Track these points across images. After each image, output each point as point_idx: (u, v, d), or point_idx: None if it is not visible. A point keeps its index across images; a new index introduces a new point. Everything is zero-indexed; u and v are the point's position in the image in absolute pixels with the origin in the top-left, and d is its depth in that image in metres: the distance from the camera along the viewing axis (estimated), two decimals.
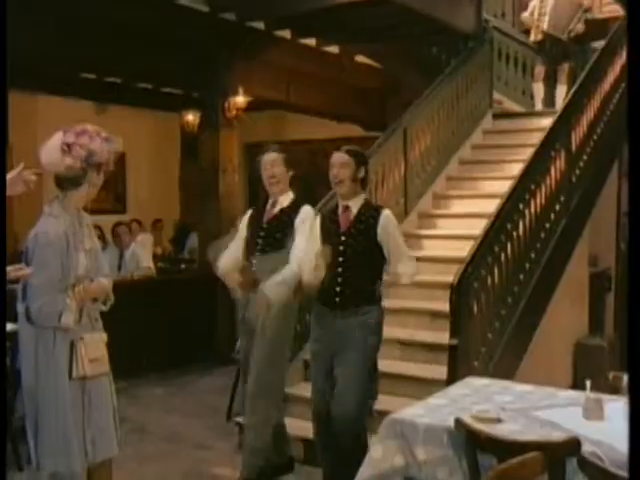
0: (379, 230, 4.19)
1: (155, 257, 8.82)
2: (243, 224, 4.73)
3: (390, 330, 5.85)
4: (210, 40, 7.91)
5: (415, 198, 7.29)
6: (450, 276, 5.04)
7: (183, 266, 9.05)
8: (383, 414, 4.05)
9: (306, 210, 4.53)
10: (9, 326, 4.19)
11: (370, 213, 4.26)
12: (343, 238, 4.25)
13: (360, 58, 9.52)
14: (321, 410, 4.30)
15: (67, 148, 3.29)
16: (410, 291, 6.31)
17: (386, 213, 4.29)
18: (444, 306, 5.21)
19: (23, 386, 3.40)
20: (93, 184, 3.41)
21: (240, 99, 8.41)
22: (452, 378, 4.51)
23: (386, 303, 6.13)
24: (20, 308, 3.35)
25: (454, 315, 4.86)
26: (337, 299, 4.22)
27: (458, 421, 2.99)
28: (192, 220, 9.97)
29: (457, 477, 3.11)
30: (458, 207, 7.33)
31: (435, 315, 5.80)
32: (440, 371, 4.98)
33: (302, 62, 8.92)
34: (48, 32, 6.78)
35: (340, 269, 4.21)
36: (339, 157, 4.24)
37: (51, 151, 3.32)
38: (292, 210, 4.54)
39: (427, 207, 7.43)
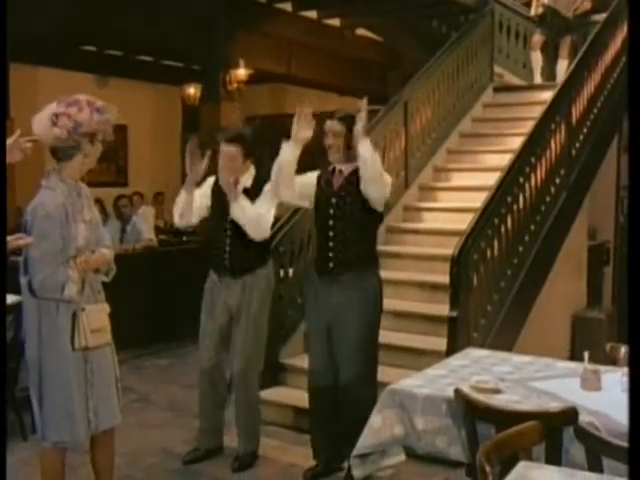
0: (361, 186, 4.16)
1: (157, 229, 8.84)
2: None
3: (389, 302, 5.89)
4: (211, 13, 7.89)
5: (416, 171, 7.30)
6: (450, 248, 5.07)
7: (185, 238, 9.07)
8: (382, 385, 4.11)
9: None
10: (12, 298, 4.23)
11: (358, 176, 4.20)
12: (334, 200, 4.26)
13: (361, 31, 9.49)
14: (323, 381, 4.32)
15: (55, 118, 3.28)
16: (410, 263, 6.37)
17: None
18: (443, 278, 5.25)
19: (27, 357, 3.43)
20: (87, 155, 3.38)
21: (241, 72, 8.41)
22: (451, 349, 4.56)
23: (385, 275, 6.22)
24: (22, 280, 3.38)
25: (454, 287, 4.89)
26: (331, 264, 4.22)
27: (457, 391, 3.04)
28: None
29: (456, 446, 3.16)
30: (458, 180, 7.35)
31: (434, 287, 5.84)
32: (439, 343, 5.03)
33: (303, 35, 8.90)
34: (49, 4, 6.76)
35: (331, 233, 4.22)
36: (332, 125, 4.22)
37: (41, 121, 3.32)
38: None
39: (428, 180, 7.44)
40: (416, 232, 6.78)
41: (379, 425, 3.34)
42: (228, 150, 4.52)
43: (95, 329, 3.38)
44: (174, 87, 11.19)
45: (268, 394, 5.44)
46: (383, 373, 5.07)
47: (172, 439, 5.04)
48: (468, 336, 4.90)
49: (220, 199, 4.54)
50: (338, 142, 4.20)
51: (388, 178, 4.32)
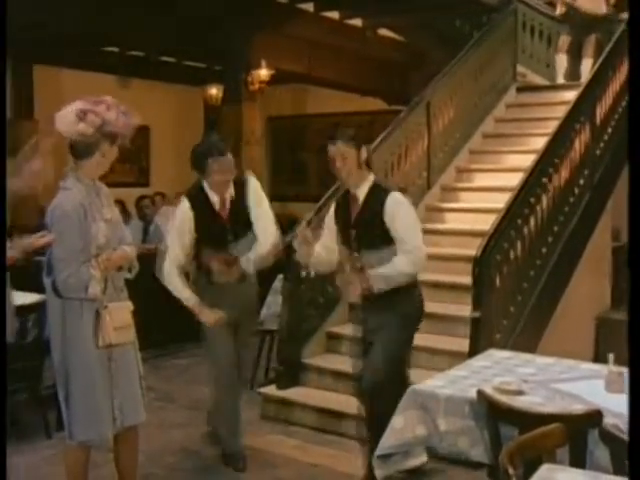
0: (386, 218, 3.89)
1: None
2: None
3: None
4: (233, 13, 7.90)
5: (438, 171, 7.28)
6: (472, 249, 5.05)
7: None
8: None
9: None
10: (36, 297, 4.27)
11: (377, 198, 3.95)
12: (353, 232, 4.02)
13: (383, 31, 9.47)
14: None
15: (82, 115, 3.30)
16: (431, 263, 6.32)
17: (393, 197, 3.94)
18: (465, 279, 5.22)
19: (53, 356, 3.46)
20: (105, 154, 3.40)
21: (263, 72, 8.42)
22: (474, 350, 4.54)
23: None
24: (46, 280, 3.40)
25: (476, 288, 4.87)
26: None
27: (480, 392, 3.02)
28: None
29: (478, 447, 3.15)
30: (481, 180, 7.31)
31: (456, 288, 5.81)
32: (459, 343, 5.01)
33: (325, 35, 8.89)
34: (71, 6, 6.80)
35: (359, 264, 3.99)
36: (337, 149, 3.93)
37: (66, 116, 3.34)
38: None
39: (450, 180, 7.42)
40: (438, 232, 6.75)
41: (401, 426, 3.33)
42: (229, 164, 4.35)
43: (118, 327, 3.40)
44: (196, 88, 11.23)
45: (289, 394, 5.46)
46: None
47: (193, 438, 5.05)
48: (490, 337, 4.87)
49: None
50: (348, 165, 3.91)
51: (419, 249, 3.95)
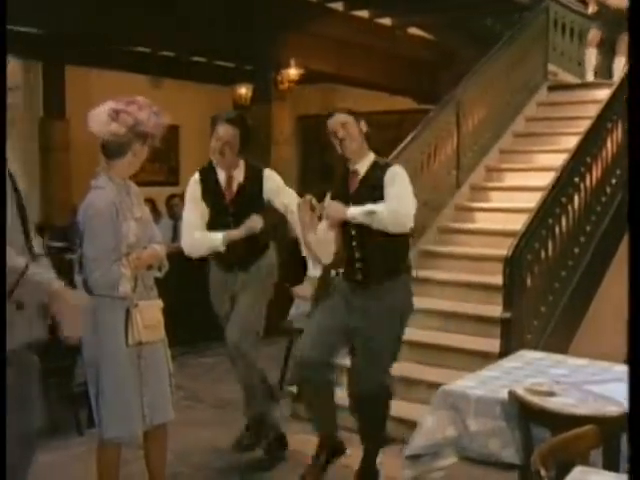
0: (384, 190, 3.82)
1: None
2: None
3: (438, 302, 5.90)
4: (262, 12, 7.91)
5: (467, 171, 7.24)
6: (502, 249, 5.01)
7: None
8: (433, 386, 4.09)
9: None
10: None
11: (377, 172, 3.89)
12: (351, 205, 3.89)
13: (413, 30, 9.44)
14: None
15: (115, 114, 3.32)
16: (461, 263, 6.31)
17: (392, 168, 3.92)
18: (495, 279, 5.19)
19: (84, 355, 3.48)
20: (136, 154, 3.41)
21: (292, 72, 8.42)
22: (505, 351, 4.50)
23: (435, 275, 6.21)
24: (78, 279, 3.43)
25: (507, 288, 4.84)
26: (359, 276, 3.95)
27: (511, 393, 3.00)
28: None
29: (509, 449, 3.12)
30: (511, 180, 7.26)
31: (486, 288, 5.78)
32: (490, 344, 4.98)
33: (354, 34, 8.88)
34: (103, 7, 6.85)
35: (355, 243, 3.91)
36: (336, 120, 3.90)
37: (99, 116, 3.37)
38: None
39: (479, 180, 7.37)
40: (467, 232, 6.72)
41: (431, 426, 3.31)
42: (225, 130, 4.26)
43: (148, 325, 3.41)
44: (225, 87, 11.27)
45: None
46: (433, 374, 5.07)
47: (220, 437, 5.05)
48: (521, 338, 4.83)
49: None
50: (350, 133, 3.88)
51: (406, 213, 3.85)
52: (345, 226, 3.90)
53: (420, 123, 6.82)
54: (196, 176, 4.46)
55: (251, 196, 4.36)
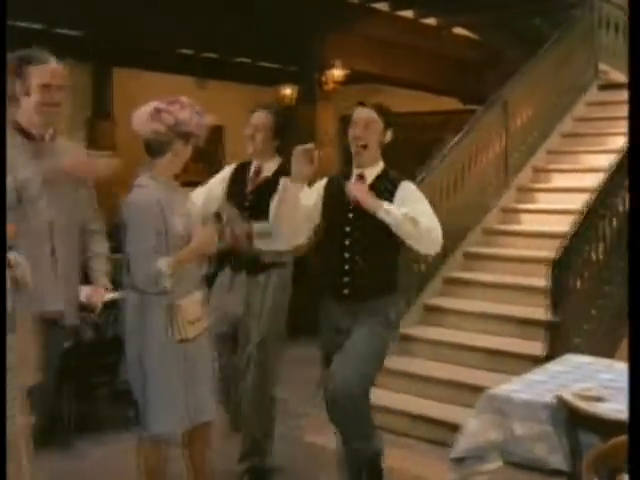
0: (407, 205, 3.47)
1: None
2: None
3: (481, 304, 5.84)
4: (307, 13, 7.92)
5: (514, 172, 7.15)
6: (549, 251, 4.94)
7: None
8: (475, 389, 4.05)
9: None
10: (115, 294, 4.33)
11: (386, 185, 3.51)
12: (351, 216, 3.51)
13: (458, 30, 9.37)
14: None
15: (156, 113, 3.35)
16: (507, 265, 6.24)
17: (404, 184, 3.56)
18: (541, 281, 5.12)
19: (127, 352, 3.50)
20: (177, 154, 3.42)
21: (337, 72, 8.41)
22: (550, 354, 4.44)
23: (479, 277, 6.15)
24: (124, 277, 3.46)
25: (554, 291, 4.76)
26: (346, 291, 3.56)
27: (559, 398, 2.95)
28: None
29: (556, 455, 3.07)
30: (559, 181, 7.15)
31: (532, 290, 5.70)
32: (536, 347, 4.92)
33: (399, 35, 8.85)
34: (148, 10, 6.92)
35: (347, 254, 3.51)
36: (366, 114, 3.49)
37: (141, 115, 3.40)
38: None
39: (526, 181, 7.28)
40: (514, 234, 6.65)
41: (476, 430, 3.28)
42: (258, 116, 4.15)
43: (192, 320, 3.41)
44: (270, 88, 11.30)
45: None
46: (478, 377, 5.02)
47: None
48: (568, 341, 4.76)
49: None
50: (370, 135, 3.49)
51: (439, 234, 3.54)
52: (340, 231, 3.54)
53: (466, 124, 6.76)
54: (233, 164, 4.39)
55: (273, 193, 4.04)
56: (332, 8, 7.93)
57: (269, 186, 4.03)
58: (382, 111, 3.50)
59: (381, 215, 3.39)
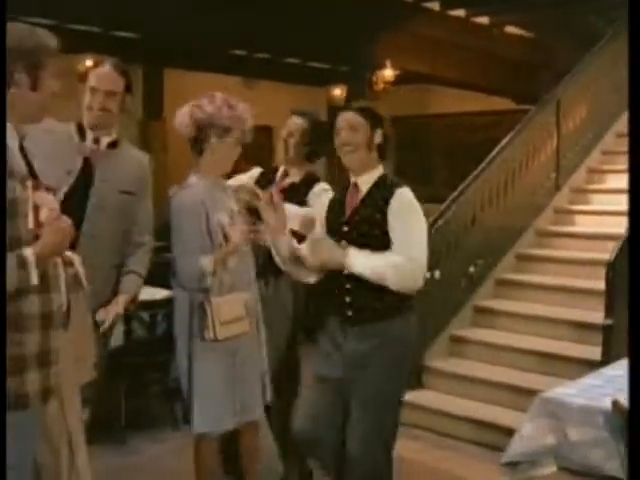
0: (389, 216, 3.13)
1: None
2: None
3: (536, 307, 5.77)
4: (358, 13, 7.90)
5: (568, 172, 7.05)
6: (603, 253, 4.85)
7: None
8: (529, 393, 3.99)
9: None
10: (166, 292, 4.37)
11: (383, 193, 3.18)
12: (345, 229, 3.21)
13: (511, 29, 9.26)
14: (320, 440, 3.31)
15: (188, 110, 3.37)
16: (560, 267, 6.14)
17: (400, 192, 3.17)
18: (595, 284, 5.03)
19: (178, 350, 3.52)
20: (214, 151, 3.39)
21: (388, 72, 8.37)
22: (606, 359, 4.35)
23: (533, 279, 6.07)
24: (172, 275, 3.48)
25: (609, 293, 4.67)
26: (349, 312, 3.20)
27: (616, 403, 2.88)
28: None
29: (613, 461, 3.00)
30: (614, 182, 7.01)
31: (586, 293, 5.60)
32: (591, 351, 4.83)
33: (450, 34, 8.78)
34: (198, 10, 6.97)
35: (347, 271, 3.17)
36: (345, 118, 3.23)
37: (179, 114, 3.41)
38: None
39: (580, 182, 7.17)
40: (567, 235, 6.55)
41: (530, 434, 3.22)
42: (292, 120, 4.03)
43: (226, 320, 3.34)
44: (319, 88, 11.31)
45: (412, 396, 5.40)
46: (532, 380, 4.95)
47: None
48: (625, 345, 4.65)
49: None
50: (357, 140, 3.19)
51: (421, 264, 3.13)
52: (339, 239, 3.22)
53: (519, 123, 6.68)
54: (260, 168, 4.26)
55: (298, 198, 3.89)
56: (383, 8, 7.90)
57: (294, 191, 3.93)
58: (366, 112, 3.25)
59: (348, 269, 3.12)
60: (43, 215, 2.26)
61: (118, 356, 4.47)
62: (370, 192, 3.21)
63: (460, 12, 8.74)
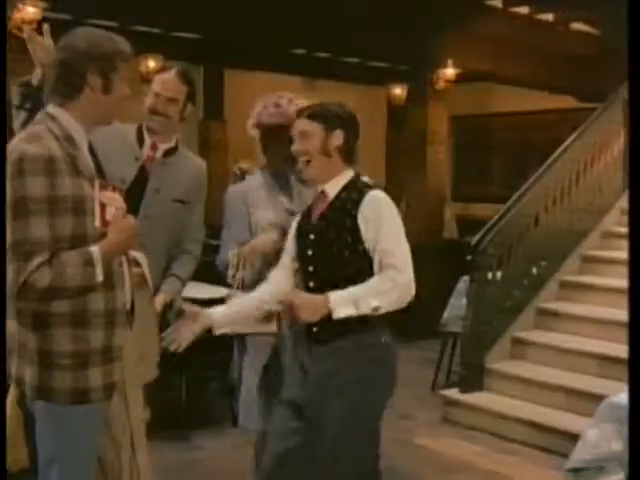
0: (361, 224, 2.76)
1: None
2: None
3: (600, 310, 5.65)
4: (420, 12, 7.83)
5: None
6: None
7: None
8: (595, 398, 3.90)
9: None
10: (225, 291, 4.38)
11: (351, 197, 2.82)
12: (312, 236, 2.88)
13: (576, 25, 9.08)
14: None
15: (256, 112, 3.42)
16: (626, 270, 5.99)
17: (371, 195, 2.81)
18: None
19: (235, 347, 3.54)
20: (263, 147, 3.43)
21: (449, 71, 8.28)
22: None
23: (597, 281, 5.94)
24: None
25: None
26: (314, 328, 2.81)
27: None
28: (397, 192, 10.01)
29: None
30: None
31: None
32: None
33: (513, 31, 8.63)
34: (258, 11, 7.00)
35: (312, 283, 2.84)
36: (299, 125, 2.89)
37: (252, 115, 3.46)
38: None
39: None
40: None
41: (595, 439, 3.16)
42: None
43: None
44: (379, 87, 11.26)
45: (473, 398, 5.36)
46: (594, 385, 4.87)
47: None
48: None
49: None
50: (309, 148, 2.85)
51: (410, 278, 2.75)
52: (304, 272, 2.90)
53: (583, 122, 6.54)
54: None
55: None
56: (444, 5, 7.81)
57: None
58: (318, 115, 2.87)
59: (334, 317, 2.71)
60: (109, 214, 2.30)
61: (178, 354, 4.51)
62: (338, 196, 2.86)
63: (524, 9, 8.59)
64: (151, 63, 8.47)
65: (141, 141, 3.33)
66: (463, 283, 5.85)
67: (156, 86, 3.28)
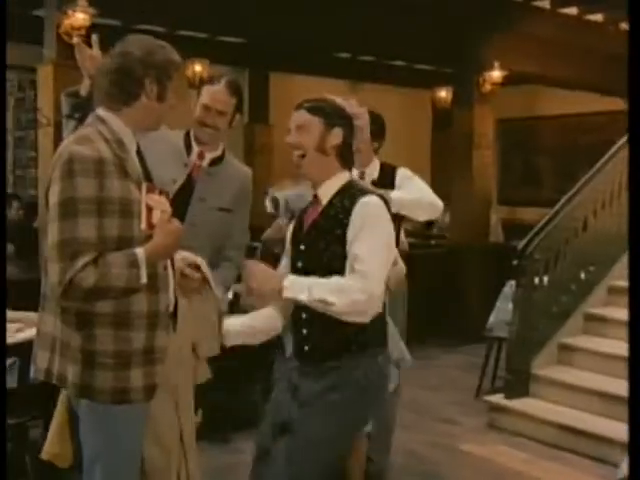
0: (349, 231, 2.59)
1: (405, 232, 8.88)
2: None
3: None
4: (466, 14, 7.77)
5: None
6: None
7: (433, 242, 9.06)
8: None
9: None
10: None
11: (343, 204, 2.64)
12: (302, 247, 2.73)
13: (626, 25, 8.90)
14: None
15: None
16: None
17: (364, 202, 2.61)
18: None
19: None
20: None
21: (496, 74, 8.20)
22: None
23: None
24: None
25: None
26: (306, 347, 2.70)
27: None
28: (443, 196, 9.93)
29: None
30: None
31: None
32: None
33: (562, 33, 8.51)
34: (304, 15, 7.02)
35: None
36: (297, 116, 2.70)
37: None
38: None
39: None
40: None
41: None
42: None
43: None
44: (424, 90, 11.21)
45: (519, 404, 5.29)
46: None
47: (416, 441, 5.00)
48: None
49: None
50: (305, 143, 2.67)
51: (372, 296, 2.55)
52: (293, 268, 2.76)
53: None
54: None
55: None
56: (492, 8, 7.73)
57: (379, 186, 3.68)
58: (319, 109, 2.69)
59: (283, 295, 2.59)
60: (155, 217, 2.31)
61: (219, 355, 4.53)
62: (331, 203, 2.68)
63: (572, 10, 8.46)
64: (197, 67, 8.58)
65: (189, 147, 3.33)
66: (509, 287, 5.78)
67: (205, 98, 3.25)
